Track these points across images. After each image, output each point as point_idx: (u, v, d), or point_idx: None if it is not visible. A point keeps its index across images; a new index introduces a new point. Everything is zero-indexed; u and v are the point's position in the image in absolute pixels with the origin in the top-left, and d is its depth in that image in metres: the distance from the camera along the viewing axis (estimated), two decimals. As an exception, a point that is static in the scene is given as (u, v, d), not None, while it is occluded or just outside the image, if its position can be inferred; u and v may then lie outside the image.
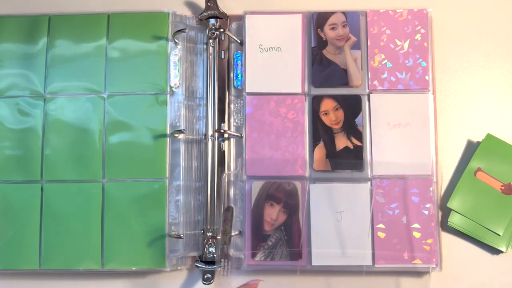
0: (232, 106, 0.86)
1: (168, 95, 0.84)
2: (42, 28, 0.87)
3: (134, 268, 0.81)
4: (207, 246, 0.82)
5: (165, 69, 0.85)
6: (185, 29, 0.84)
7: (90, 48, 0.86)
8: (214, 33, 0.85)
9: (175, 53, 0.85)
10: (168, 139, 0.83)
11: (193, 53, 0.87)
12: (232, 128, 0.85)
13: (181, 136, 0.83)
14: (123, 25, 0.86)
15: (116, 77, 0.85)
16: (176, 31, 0.84)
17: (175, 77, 0.84)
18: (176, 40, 0.85)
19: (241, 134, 0.84)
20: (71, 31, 0.87)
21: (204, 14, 0.86)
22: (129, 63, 0.85)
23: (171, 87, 0.84)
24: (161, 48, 0.85)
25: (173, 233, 0.81)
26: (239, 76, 0.86)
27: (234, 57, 0.86)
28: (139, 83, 0.85)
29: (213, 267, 0.81)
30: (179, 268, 0.83)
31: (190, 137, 0.84)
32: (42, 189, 0.83)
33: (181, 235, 0.80)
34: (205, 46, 0.87)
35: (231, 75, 0.86)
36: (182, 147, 0.83)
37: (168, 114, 0.84)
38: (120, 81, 0.85)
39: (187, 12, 0.90)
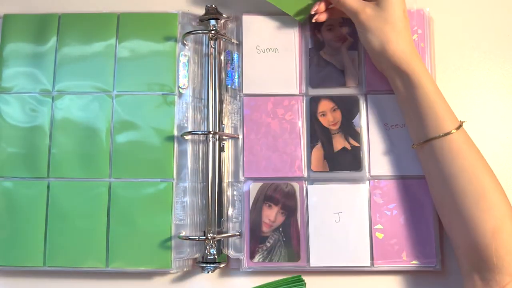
0: (229, 107, 0.86)
1: (176, 96, 0.85)
2: (51, 27, 0.88)
3: (139, 268, 0.82)
4: (208, 247, 0.82)
5: (173, 70, 0.85)
6: (194, 31, 0.85)
7: (99, 47, 0.87)
8: (214, 35, 0.85)
9: (184, 54, 0.86)
10: (175, 139, 0.84)
11: (200, 54, 0.87)
12: (230, 129, 0.85)
13: (188, 137, 0.83)
14: (132, 25, 0.87)
15: (124, 77, 0.86)
16: (186, 33, 0.85)
17: (184, 78, 0.85)
18: (185, 41, 0.86)
19: (237, 135, 0.85)
20: (81, 30, 0.87)
21: (205, 15, 0.87)
22: (138, 63, 0.86)
23: (179, 87, 0.85)
24: (170, 49, 0.86)
25: (181, 234, 0.81)
26: (236, 77, 0.86)
27: (229, 57, 0.87)
28: (148, 83, 0.85)
29: (215, 264, 0.82)
30: (184, 269, 0.84)
31: (197, 138, 0.85)
32: (48, 187, 0.84)
33: (190, 237, 0.81)
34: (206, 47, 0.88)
35: (227, 75, 0.87)
36: (189, 148, 0.84)
37: (176, 114, 0.84)
38: (129, 81, 0.86)
39: (198, 12, 0.90)
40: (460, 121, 0.75)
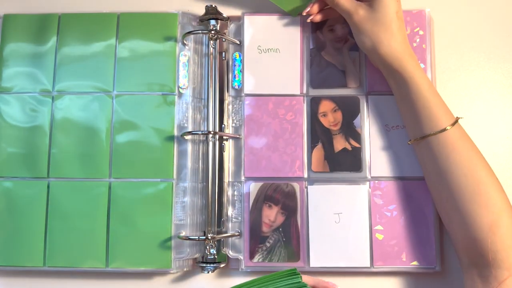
0: (230, 107, 0.86)
1: (176, 96, 0.84)
2: (51, 27, 0.87)
3: (139, 268, 0.82)
4: (207, 247, 0.82)
5: (173, 70, 0.85)
6: (194, 31, 0.85)
7: (99, 47, 0.87)
8: (214, 35, 0.85)
9: (184, 54, 0.85)
10: (175, 139, 0.83)
11: (200, 54, 0.87)
12: (231, 129, 0.85)
13: (188, 137, 0.83)
14: (132, 25, 0.87)
15: (124, 77, 0.86)
16: (186, 33, 0.85)
17: (184, 78, 0.85)
18: (185, 41, 0.86)
19: (239, 135, 0.84)
20: (81, 30, 0.87)
21: (205, 16, 0.86)
22: (138, 63, 0.86)
23: (179, 87, 0.85)
24: (170, 49, 0.86)
25: (181, 234, 0.81)
26: (240, 76, 0.86)
27: (233, 57, 0.86)
28: (148, 83, 0.85)
29: (215, 264, 0.82)
30: (184, 269, 0.84)
31: (197, 138, 0.85)
32: (48, 187, 0.84)
33: (190, 237, 0.81)
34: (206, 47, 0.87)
35: (229, 76, 0.86)
36: (189, 148, 0.84)
37: (176, 114, 0.84)
38: (129, 81, 0.85)
39: (198, 12, 0.90)
40: (456, 117, 0.75)
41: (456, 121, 0.75)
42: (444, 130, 0.74)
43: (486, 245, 0.70)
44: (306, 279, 0.73)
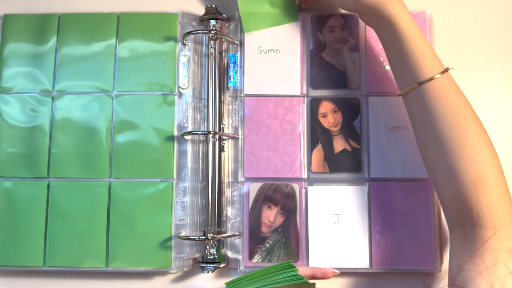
0: (230, 107, 0.86)
1: (176, 96, 0.84)
2: (51, 27, 0.87)
3: (139, 268, 0.82)
4: (207, 247, 0.82)
5: (173, 70, 0.85)
6: (194, 31, 0.85)
7: (99, 47, 0.87)
8: (214, 35, 0.85)
9: (184, 54, 0.85)
10: (175, 139, 0.84)
11: (200, 54, 0.87)
12: (230, 129, 0.85)
13: (188, 137, 0.83)
14: (132, 25, 0.87)
15: (124, 77, 0.86)
16: (186, 33, 0.85)
17: (184, 78, 0.85)
18: (185, 41, 0.86)
19: (239, 135, 0.85)
20: (81, 30, 0.87)
21: (205, 16, 0.86)
22: (138, 63, 0.86)
23: (179, 87, 0.85)
24: (170, 49, 0.86)
25: (181, 234, 0.81)
26: (235, 77, 0.86)
27: (228, 58, 0.86)
28: (148, 83, 0.85)
29: (215, 264, 0.82)
30: (184, 269, 0.84)
31: (197, 138, 0.85)
32: (48, 187, 0.84)
33: (190, 237, 0.81)
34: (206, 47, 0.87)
35: (230, 76, 0.86)
36: (189, 148, 0.84)
37: (176, 114, 0.84)
38: (129, 81, 0.85)
39: (198, 12, 0.90)
40: (447, 67, 0.72)
41: (445, 71, 0.72)
42: (432, 79, 0.70)
43: (470, 202, 0.66)
44: (302, 270, 0.73)
